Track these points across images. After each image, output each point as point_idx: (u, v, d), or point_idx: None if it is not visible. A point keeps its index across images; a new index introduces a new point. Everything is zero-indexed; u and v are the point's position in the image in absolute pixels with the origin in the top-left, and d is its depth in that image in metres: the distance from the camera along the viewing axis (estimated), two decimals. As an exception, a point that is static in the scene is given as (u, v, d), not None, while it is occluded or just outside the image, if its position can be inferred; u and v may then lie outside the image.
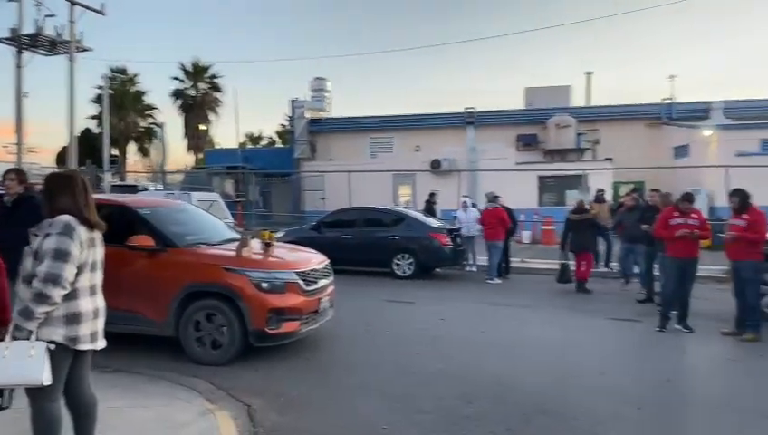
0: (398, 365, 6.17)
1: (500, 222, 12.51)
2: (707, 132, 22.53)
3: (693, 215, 7.92)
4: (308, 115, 31.35)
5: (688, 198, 8.06)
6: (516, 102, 31.29)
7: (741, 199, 7.45)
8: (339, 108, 40.04)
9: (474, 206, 14.33)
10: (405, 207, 16.52)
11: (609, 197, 17.10)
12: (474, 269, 13.73)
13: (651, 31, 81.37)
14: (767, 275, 7.86)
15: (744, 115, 25.21)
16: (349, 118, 31.98)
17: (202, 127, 40.33)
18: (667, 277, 8.33)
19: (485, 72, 76.62)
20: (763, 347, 6.89)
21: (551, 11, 74.51)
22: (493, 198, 13.13)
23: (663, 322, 7.84)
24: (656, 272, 9.54)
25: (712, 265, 10.88)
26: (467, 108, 28.26)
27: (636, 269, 10.83)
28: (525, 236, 19.85)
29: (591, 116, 27.97)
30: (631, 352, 7.10)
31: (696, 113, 26.17)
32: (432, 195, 17.37)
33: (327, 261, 7.19)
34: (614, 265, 12.57)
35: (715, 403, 5.30)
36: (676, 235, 7.77)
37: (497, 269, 12.46)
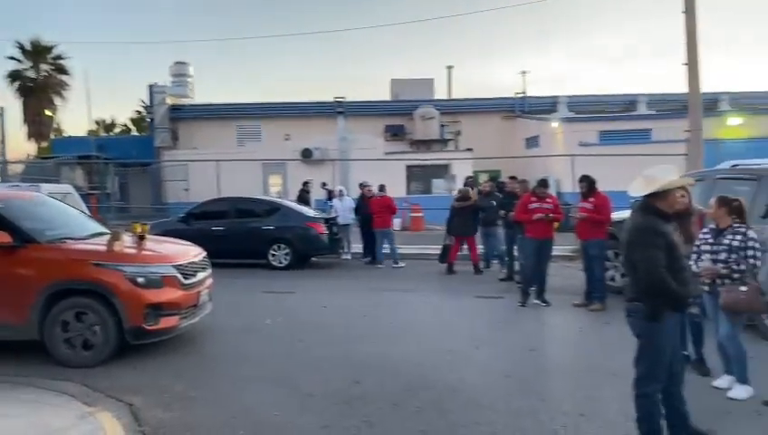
0: (283, 354, 6.21)
1: (388, 209, 12.96)
2: (554, 124, 24.67)
3: (548, 199, 8.77)
4: (169, 101, 29.71)
5: (544, 183, 8.90)
6: (383, 93, 32.03)
7: (588, 184, 8.36)
8: (203, 94, 38.36)
9: (342, 194, 14.50)
10: (278, 198, 16.38)
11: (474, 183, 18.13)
12: (348, 257, 13.99)
13: (506, 28, 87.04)
14: (611, 252, 8.89)
15: (585, 109, 27.95)
16: (214, 105, 30.81)
17: (48, 113, 36.64)
18: (526, 257, 9.12)
19: (354, 62, 77.49)
20: (608, 315, 7.80)
21: (415, 5, 76.94)
22: (381, 188, 13.53)
23: (524, 297, 8.59)
24: (515, 253, 10.39)
25: (563, 246, 12.04)
26: (337, 97, 28.43)
27: (496, 251, 11.72)
28: (396, 223, 20.52)
29: (453, 108, 29.41)
30: (499, 326, 7.72)
31: (544, 107, 28.52)
32: (306, 184, 17.37)
33: (204, 253, 7.01)
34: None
35: (572, 366, 5.97)
36: (534, 218, 8.55)
37: (395, 254, 12.90)
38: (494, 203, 11.16)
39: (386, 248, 12.91)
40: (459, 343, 6.65)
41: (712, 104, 24.70)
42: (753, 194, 6.54)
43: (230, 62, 78.14)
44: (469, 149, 24.72)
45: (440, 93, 32.28)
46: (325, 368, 5.70)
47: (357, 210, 13.67)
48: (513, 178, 11.28)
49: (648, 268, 3.64)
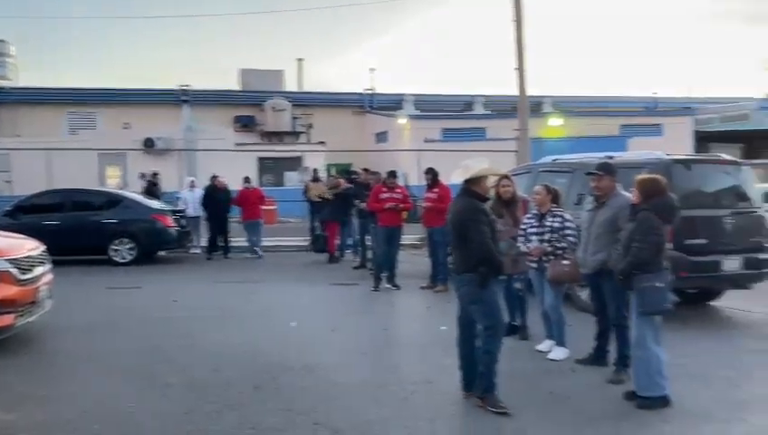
0: (135, 349, 6.01)
1: (259, 201, 13.10)
2: (402, 121, 25.88)
3: (398, 190, 9.35)
4: (-16, 83, 26.41)
5: (393, 174, 9.49)
6: (231, 83, 31.22)
7: (433, 176, 9.04)
8: (27, 77, 34.29)
9: (193, 186, 14.06)
10: (118, 190, 15.39)
11: (323, 176, 18.47)
12: (198, 251, 13.60)
13: (357, 24, 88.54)
14: (451, 239, 9.66)
15: (430, 107, 29.62)
16: (40, 88, 27.93)
17: None
18: (378, 244, 9.62)
19: (199, 49, 73.97)
20: (451, 295, 8.45)
21: (262, -5, 75.36)
22: (246, 180, 13.64)
23: (377, 283, 9.08)
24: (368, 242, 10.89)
25: (410, 235, 12.79)
26: (182, 85, 27.20)
27: (349, 241, 12.18)
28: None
29: (305, 101, 29.57)
30: (354, 309, 8.12)
31: (392, 104, 29.72)
32: (155, 175, 16.51)
33: (43, 247, 6.52)
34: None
35: (421, 341, 6.51)
36: (385, 207, 9.06)
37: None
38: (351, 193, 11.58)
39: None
40: (316, 327, 6.91)
41: (537, 106, 27.44)
42: (569, 184, 7.57)
43: (62, 44, 70.75)
44: (322, 142, 25.05)
45: (291, 86, 32.23)
46: (181, 359, 5.64)
47: (205, 203, 13.28)
48: (366, 170, 11.77)
49: (482, 241, 4.32)
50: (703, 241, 6.77)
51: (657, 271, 4.37)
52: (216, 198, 12.98)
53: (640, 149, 11.95)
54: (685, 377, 4.91)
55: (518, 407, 4.41)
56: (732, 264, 6.93)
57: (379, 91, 31.31)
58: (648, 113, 29.44)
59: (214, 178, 13.46)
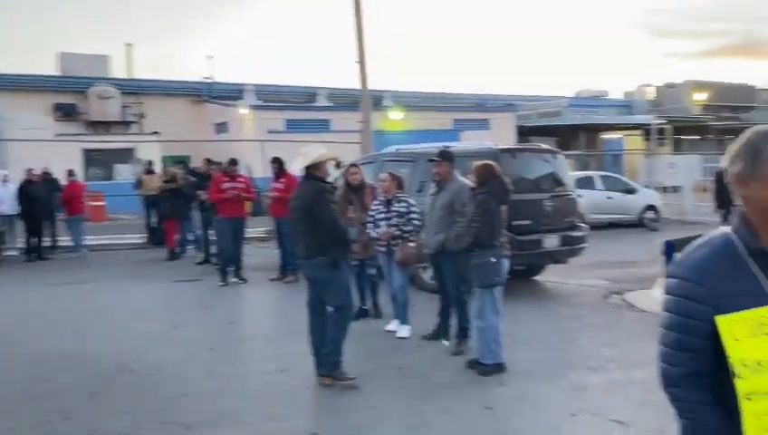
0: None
1: (81, 195, 12.25)
2: (243, 111, 25.17)
3: (239, 179, 9.10)
4: None
5: (233, 163, 9.21)
6: (48, 68, 28.07)
7: (279, 166, 8.93)
8: None
9: (6, 180, 12.46)
10: None
11: (158, 169, 17.37)
12: (15, 253, 12.11)
13: (193, 9, 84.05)
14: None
15: (272, 98, 29.12)
16: None
17: None
18: (221, 237, 9.28)
19: (12, 30, 65.31)
20: (302, 285, 8.47)
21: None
22: (70, 173, 12.66)
23: (224, 277, 8.77)
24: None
25: (256, 228, 12.55)
26: (-13, 68, 23.89)
27: (190, 236, 11.63)
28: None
29: (136, 89, 27.47)
30: (199, 305, 7.76)
31: (232, 93, 28.75)
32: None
33: None
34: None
35: (272, 332, 6.45)
36: (227, 196, 8.77)
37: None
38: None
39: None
40: (158, 326, 6.52)
41: (378, 100, 28.28)
42: (411, 172, 7.94)
43: None
44: (156, 133, 23.51)
45: (119, 72, 29.78)
46: (1, 372, 5.01)
47: (20, 199, 11.77)
48: (207, 160, 11.27)
49: (334, 221, 4.44)
50: (527, 222, 7.49)
51: (492, 247, 4.78)
52: (32, 194, 11.60)
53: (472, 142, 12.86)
54: (517, 343, 5.42)
55: (370, 384, 4.58)
56: (551, 241, 7.77)
57: (218, 80, 30.12)
58: (477, 109, 31.70)
59: (29, 171, 12.05)
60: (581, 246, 8.24)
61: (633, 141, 30.32)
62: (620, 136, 31.57)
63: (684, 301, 1.47)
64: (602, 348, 5.50)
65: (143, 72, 35.14)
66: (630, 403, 4.14)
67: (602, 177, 16.51)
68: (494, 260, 4.78)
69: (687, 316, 1.45)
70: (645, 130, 28.06)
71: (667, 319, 1.51)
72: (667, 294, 1.52)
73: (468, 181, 5.04)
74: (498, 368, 4.81)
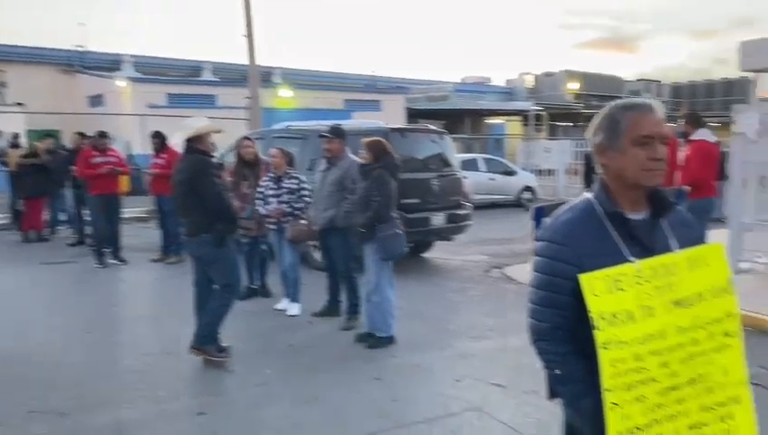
0: None
1: None
2: (121, 84, 23.54)
3: (110, 152, 8.52)
4: None
5: (103, 135, 8.57)
6: None
7: (161, 141, 8.48)
8: None
9: None
10: None
11: (24, 143, 15.89)
12: None
13: (54, -29, 76.52)
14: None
15: (152, 70, 27.47)
16: None
17: None
18: (96, 216, 8.67)
19: None
20: (186, 266, 8.16)
21: None
22: None
23: (100, 258, 8.24)
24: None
25: (136, 207, 11.87)
26: None
27: (62, 216, 10.79)
28: None
29: (-6, 55, 24.82)
30: (73, 289, 7.24)
31: (108, 64, 26.80)
32: None
33: None
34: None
35: (155, 313, 6.17)
36: (100, 172, 8.20)
37: None
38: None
39: None
40: (28, 313, 6.03)
41: (267, 76, 27.59)
42: (301, 150, 7.86)
43: None
44: (19, 104, 21.39)
45: (-28, 35, 26.67)
46: None
47: None
48: (80, 134, 10.44)
49: (221, 196, 4.32)
50: (416, 200, 7.71)
51: (392, 220, 4.89)
52: None
53: (363, 121, 12.92)
54: (405, 317, 5.58)
55: (260, 362, 4.56)
56: (438, 219, 8.05)
57: (91, 49, 27.91)
58: (368, 90, 31.88)
59: None
60: (466, 223, 8.62)
61: (514, 126, 31.99)
62: (502, 121, 33.17)
63: (551, 261, 1.60)
64: (484, 318, 5.82)
65: (4, 36, 31.76)
66: (508, 367, 4.43)
67: (485, 159, 17.31)
68: (399, 232, 4.90)
69: (554, 275, 1.59)
70: (524, 116, 29.73)
71: (536, 279, 1.64)
72: (536, 255, 1.65)
73: (359, 159, 5.08)
74: (389, 340, 4.96)
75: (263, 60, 15.62)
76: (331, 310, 5.81)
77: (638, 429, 1.51)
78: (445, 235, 8.50)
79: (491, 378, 4.22)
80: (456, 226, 8.40)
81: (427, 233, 8.14)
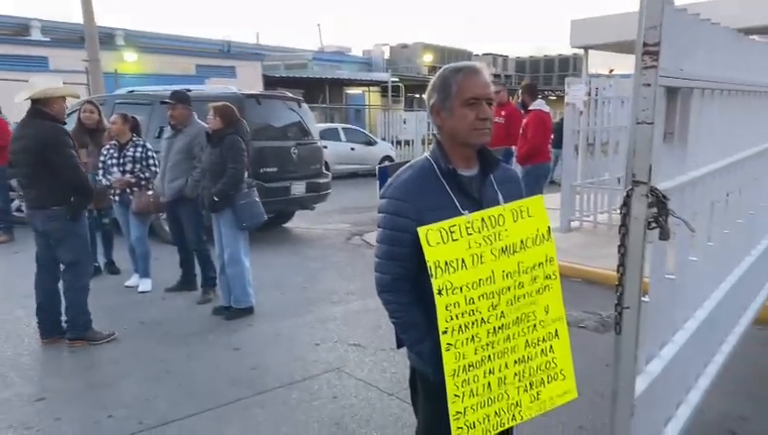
0: None
1: None
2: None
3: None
4: None
5: None
6: None
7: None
8: None
9: None
10: None
11: None
12: None
13: None
14: (14, 182, 8.32)
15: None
16: None
17: None
18: None
19: None
20: (17, 245, 7.45)
21: None
22: None
23: None
24: None
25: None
26: None
27: None
28: None
29: None
30: None
31: None
32: None
33: None
34: None
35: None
36: None
37: None
38: None
39: None
40: None
41: (109, 39, 25.31)
42: (149, 117, 7.38)
43: None
44: None
45: None
46: None
47: None
48: None
49: (73, 165, 3.96)
50: (274, 169, 7.59)
51: (249, 188, 4.76)
52: None
53: (217, 88, 12.37)
54: (265, 287, 5.54)
55: (110, 341, 4.29)
56: (298, 188, 8.01)
57: None
58: (222, 55, 30.48)
59: None
60: (327, 192, 8.66)
61: (373, 97, 32.43)
62: (362, 91, 33.47)
63: (392, 217, 1.67)
64: (344, 283, 5.93)
65: None
66: (367, 328, 4.57)
67: (345, 129, 17.43)
68: (256, 199, 4.78)
69: (396, 229, 1.66)
70: (383, 87, 30.24)
71: (380, 234, 1.71)
72: (380, 212, 1.72)
73: (206, 124, 4.86)
74: (248, 311, 4.88)
75: (103, 20, 14.29)
76: (185, 284, 5.59)
77: (471, 366, 1.65)
78: (305, 204, 8.48)
79: (350, 339, 4.34)
80: (316, 194, 8.41)
81: (287, 202, 8.07)
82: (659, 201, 1.80)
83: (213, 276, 5.29)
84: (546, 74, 42.55)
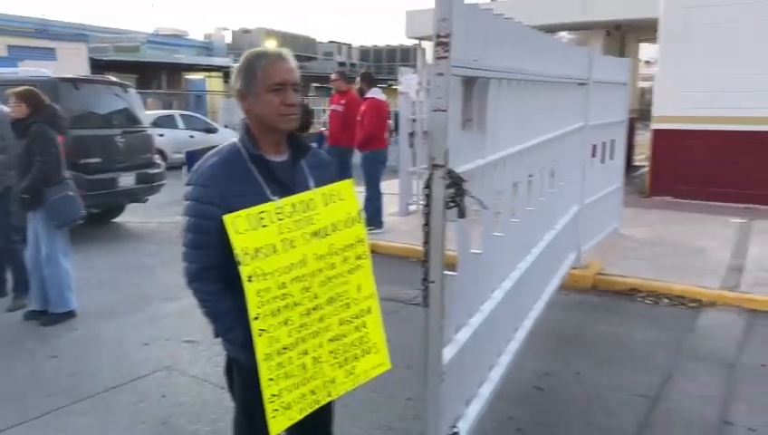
0: None
1: None
2: None
3: None
4: None
5: None
6: None
7: None
8: None
9: None
10: None
11: None
12: None
13: None
14: None
15: None
16: None
17: None
18: None
19: None
20: None
21: None
22: None
23: None
24: None
25: None
26: None
27: None
28: None
29: None
30: None
31: None
32: None
33: None
34: None
35: None
36: None
37: None
38: None
39: None
40: None
41: None
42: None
43: None
44: None
45: None
46: None
47: None
48: None
49: None
50: (98, 160, 7.02)
51: (63, 182, 4.33)
52: None
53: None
54: (91, 287, 5.13)
55: None
56: (127, 180, 7.48)
57: None
58: (39, 35, 27.40)
59: None
60: (161, 183, 8.18)
61: (215, 83, 31.13)
62: (203, 77, 31.98)
63: (198, 204, 1.64)
64: (179, 278, 5.63)
65: None
66: (202, 323, 4.36)
67: (184, 116, 16.59)
68: (72, 194, 4.35)
69: (201, 217, 1.63)
70: (225, 72, 29.12)
71: (186, 222, 1.66)
72: (185, 199, 1.67)
73: (8, 110, 4.35)
74: (68, 315, 4.49)
75: None
76: (-7, 290, 5.00)
77: (285, 348, 1.67)
78: (137, 196, 7.94)
79: (182, 336, 4.17)
80: (148, 186, 7.91)
81: (114, 195, 7.49)
82: (456, 183, 1.96)
83: (26, 279, 4.78)
84: (389, 64, 43.83)
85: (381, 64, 43.45)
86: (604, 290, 5.09)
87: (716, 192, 8.37)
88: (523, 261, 3.27)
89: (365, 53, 44.99)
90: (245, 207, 1.59)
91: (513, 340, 3.18)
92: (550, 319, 3.91)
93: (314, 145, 1.98)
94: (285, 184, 1.73)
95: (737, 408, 3.15)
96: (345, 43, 44.12)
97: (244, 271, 1.58)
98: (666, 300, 4.84)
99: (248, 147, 1.69)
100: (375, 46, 44.64)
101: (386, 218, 7.23)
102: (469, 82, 2.26)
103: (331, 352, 1.80)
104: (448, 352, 2.16)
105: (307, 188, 1.78)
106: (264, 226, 1.63)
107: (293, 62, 1.72)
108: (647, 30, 9.44)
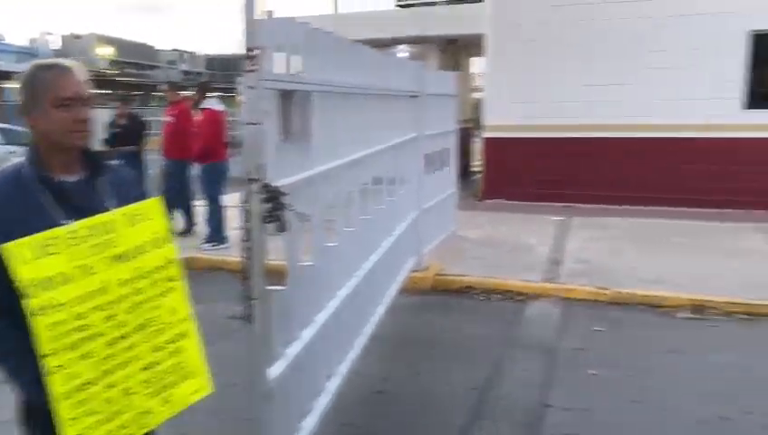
0: None
1: None
2: None
3: None
4: None
5: None
6: None
7: None
8: None
9: None
10: None
11: None
12: None
13: None
14: None
15: None
16: None
17: None
18: None
19: None
20: None
21: None
22: None
23: None
24: None
25: None
26: None
27: None
28: None
29: None
30: None
31: None
32: None
33: None
34: None
35: None
36: None
37: None
38: None
39: None
40: None
41: None
42: None
43: None
44: None
45: None
46: None
47: None
48: None
49: None
50: None
51: None
52: None
53: None
54: None
55: None
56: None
57: None
58: None
59: None
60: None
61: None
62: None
63: (-27, 230, 1.45)
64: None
65: None
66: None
67: (3, 129, 14.85)
68: None
69: (-23, 246, 1.45)
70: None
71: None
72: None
73: None
74: None
75: None
76: None
77: (88, 383, 1.54)
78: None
79: None
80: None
81: None
82: (274, 196, 1.94)
83: None
84: (237, 73, 42.84)
85: (229, 73, 42.31)
86: (443, 290, 5.36)
87: (541, 193, 9.20)
88: (361, 268, 3.34)
89: (211, 61, 43.57)
90: (31, 234, 1.44)
91: (353, 347, 3.23)
92: (392, 322, 4.03)
93: (119, 162, 1.86)
94: (79, 206, 1.59)
95: (556, 391, 3.47)
96: (188, 52, 42.39)
97: (32, 304, 1.43)
98: (497, 295, 5.22)
99: (34, 166, 1.54)
100: (221, 55, 43.39)
101: (230, 233, 7.02)
102: (286, 95, 2.27)
103: (144, 382, 1.69)
104: (276, 369, 2.14)
105: (105, 208, 1.65)
106: (53, 253, 1.49)
107: (84, 75, 1.60)
108: (476, 46, 10.15)
